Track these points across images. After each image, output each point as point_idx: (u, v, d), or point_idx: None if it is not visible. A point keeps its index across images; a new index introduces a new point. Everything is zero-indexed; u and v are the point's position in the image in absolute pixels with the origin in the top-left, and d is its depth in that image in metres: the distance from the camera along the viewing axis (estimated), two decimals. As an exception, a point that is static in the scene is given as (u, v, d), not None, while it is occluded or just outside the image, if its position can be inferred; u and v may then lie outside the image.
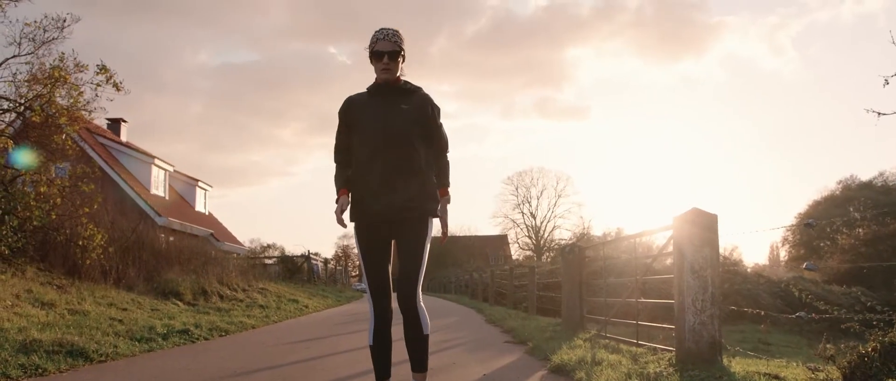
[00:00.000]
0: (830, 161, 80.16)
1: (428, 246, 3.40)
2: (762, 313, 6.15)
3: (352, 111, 3.46)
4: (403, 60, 3.43)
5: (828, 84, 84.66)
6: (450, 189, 3.58)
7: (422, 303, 3.38)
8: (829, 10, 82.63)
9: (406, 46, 3.42)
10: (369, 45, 3.37)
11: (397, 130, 3.33)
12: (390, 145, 3.32)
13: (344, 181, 3.46)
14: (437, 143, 3.52)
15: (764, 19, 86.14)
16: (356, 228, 3.45)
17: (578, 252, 8.42)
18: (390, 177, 3.31)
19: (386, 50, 3.32)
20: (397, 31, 3.41)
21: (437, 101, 3.53)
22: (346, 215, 3.39)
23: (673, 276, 5.11)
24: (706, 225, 4.92)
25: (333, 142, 3.56)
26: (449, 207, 3.57)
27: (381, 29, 3.39)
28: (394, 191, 3.32)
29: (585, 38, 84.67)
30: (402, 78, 3.46)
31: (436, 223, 3.49)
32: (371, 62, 3.39)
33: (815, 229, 48.12)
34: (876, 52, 71.44)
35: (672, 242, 5.22)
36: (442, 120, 3.56)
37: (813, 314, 5.20)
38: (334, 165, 3.55)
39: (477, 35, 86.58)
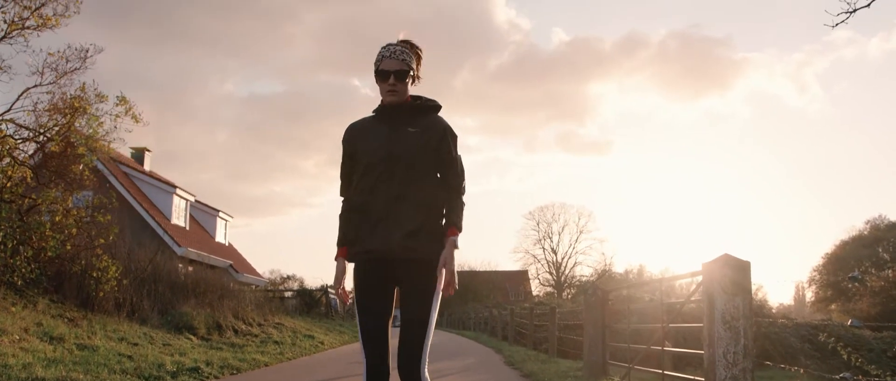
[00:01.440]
0: (857, 200, 78.88)
1: (437, 301, 2.87)
2: (801, 370, 5.83)
3: (354, 137, 3.05)
4: (414, 80, 3.03)
5: (855, 122, 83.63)
6: (460, 233, 2.96)
7: (426, 375, 2.83)
8: (855, 48, 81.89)
9: (419, 64, 3.04)
10: (375, 63, 2.98)
11: (401, 155, 2.89)
12: (393, 173, 2.89)
13: (343, 236, 3.01)
14: (450, 176, 2.99)
15: (790, 56, 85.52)
16: (354, 269, 2.98)
17: (601, 295, 8.13)
18: (392, 209, 2.87)
19: (392, 69, 2.91)
20: (407, 47, 3.00)
21: (456, 129, 3.06)
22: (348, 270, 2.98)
23: (703, 325, 4.83)
24: (738, 272, 4.65)
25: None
26: (469, 241, 3.07)
27: (388, 45, 2.99)
28: (395, 225, 2.86)
29: (608, 72, 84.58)
30: (412, 95, 3.04)
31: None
32: (376, 83, 2.98)
33: (859, 281, 47.07)
34: (903, 89, 70.39)
35: (702, 289, 4.94)
36: (462, 153, 3.07)
37: (859, 377, 4.88)
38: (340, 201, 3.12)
39: (500, 69, 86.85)
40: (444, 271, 2.88)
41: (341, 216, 3.08)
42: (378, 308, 2.93)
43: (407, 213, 2.88)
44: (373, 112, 3.09)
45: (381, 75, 2.95)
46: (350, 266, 3.03)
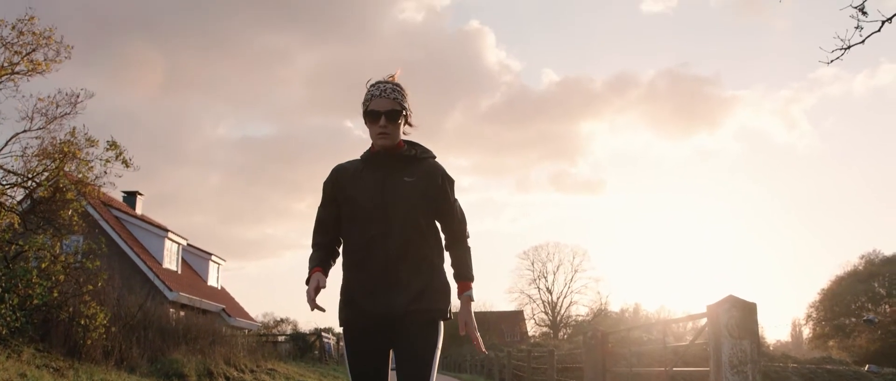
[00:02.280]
0: (851, 234, 78.95)
1: (436, 360, 2.65)
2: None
3: (341, 184, 2.77)
4: (407, 121, 2.76)
5: (844, 157, 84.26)
6: (472, 283, 2.76)
7: None
8: (841, 84, 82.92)
9: (411, 103, 2.78)
10: (363, 103, 2.72)
11: (399, 209, 2.65)
12: (391, 229, 2.63)
13: (318, 261, 2.79)
14: (451, 224, 2.79)
15: (777, 93, 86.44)
16: (346, 332, 2.73)
17: (601, 336, 7.95)
18: (391, 270, 2.62)
19: (382, 109, 2.65)
20: (398, 85, 2.74)
21: (450, 171, 2.85)
22: (328, 305, 2.75)
23: (708, 369, 4.67)
24: (745, 314, 4.51)
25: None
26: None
27: (377, 83, 2.73)
28: (396, 287, 2.62)
29: (599, 112, 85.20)
30: (406, 141, 2.79)
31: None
32: (366, 124, 2.72)
33: (840, 305, 46.93)
34: (890, 125, 71.14)
35: (708, 331, 4.79)
36: (458, 195, 2.86)
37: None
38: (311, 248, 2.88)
39: (492, 109, 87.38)
40: (465, 330, 2.69)
41: (313, 253, 2.87)
42: (375, 375, 2.70)
43: (409, 273, 2.65)
44: (361, 158, 2.81)
45: (370, 116, 2.69)
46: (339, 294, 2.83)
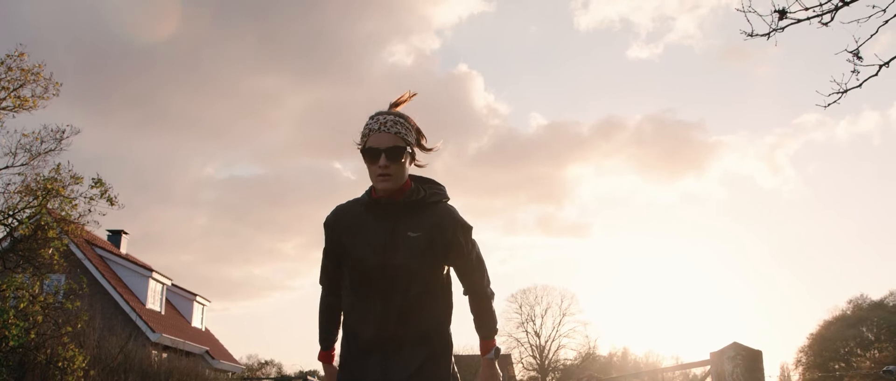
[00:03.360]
0: (837, 278, 79.12)
1: None
2: None
3: (339, 230, 2.40)
4: (412, 158, 2.38)
5: (828, 202, 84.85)
6: (496, 340, 2.50)
7: None
8: (824, 131, 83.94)
9: (423, 138, 2.44)
10: (361, 138, 2.34)
11: (402, 271, 2.29)
12: (392, 294, 2.31)
13: (325, 338, 2.53)
14: (468, 277, 2.45)
15: (761, 139, 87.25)
16: None
17: (596, 383, 7.76)
18: (391, 339, 2.32)
19: (383, 146, 2.27)
20: (400, 117, 2.35)
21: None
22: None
23: (713, 420, 4.50)
24: (750, 362, 4.36)
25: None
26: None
27: (376, 114, 2.35)
28: (395, 358, 2.32)
29: (586, 156, 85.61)
30: (413, 178, 2.42)
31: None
32: (365, 163, 2.34)
33: (829, 350, 46.81)
34: (872, 171, 72.06)
35: (711, 380, 4.63)
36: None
37: None
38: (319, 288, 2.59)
39: (479, 152, 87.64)
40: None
41: (321, 312, 2.59)
42: None
43: (412, 343, 2.33)
44: (362, 200, 2.42)
45: (369, 154, 2.30)
46: None
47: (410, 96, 2.50)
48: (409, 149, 2.35)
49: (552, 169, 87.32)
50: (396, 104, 2.46)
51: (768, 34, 6.82)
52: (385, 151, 2.28)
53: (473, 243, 2.45)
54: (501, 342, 66.83)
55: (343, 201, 2.50)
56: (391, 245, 2.32)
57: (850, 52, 6.76)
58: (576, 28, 75.99)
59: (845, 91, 6.75)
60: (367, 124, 2.36)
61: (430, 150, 2.46)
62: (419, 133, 2.44)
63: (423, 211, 2.37)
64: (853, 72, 6.71)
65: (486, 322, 2.47)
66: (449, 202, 2.45)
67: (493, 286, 2.53)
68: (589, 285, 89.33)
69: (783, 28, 6.74)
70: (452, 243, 2.37)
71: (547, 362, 63.62)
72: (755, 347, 4.46)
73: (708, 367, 4.69)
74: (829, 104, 6.80)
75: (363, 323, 2.36)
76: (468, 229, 2.42)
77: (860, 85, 6.59)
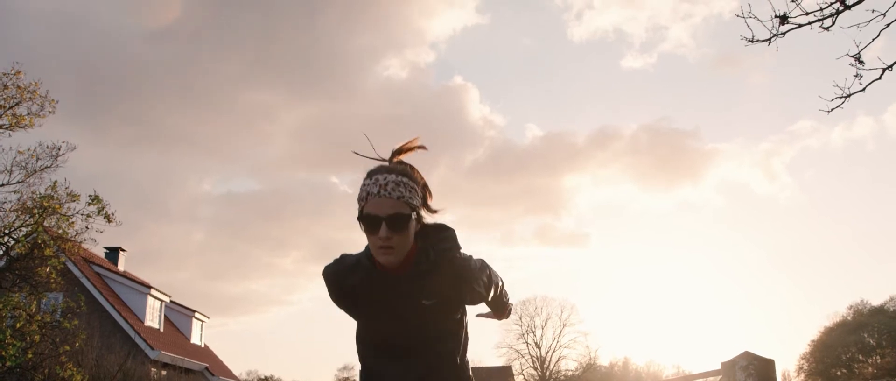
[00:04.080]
0: (836, 284, 79.08)
1: None
2: None
3: (344, 293, 2.15)
4: (419, 220, 2.07)
5: (825, 208, 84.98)
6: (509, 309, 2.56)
7: None
8: (819, 137, 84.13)
9: (429, 196, 2.14)
10: (358, 201, 2.02)
11: (421, 340, 2.11)
12: (409, 358, 2.12)
13: None
14: (495, 308, 2.45)
15: (756, 146, 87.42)
16: None
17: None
18: None
19: (383, 214, 1.95)
20: (403, 176, 2.02)
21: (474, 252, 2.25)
22: None
23: (725, 431, 4.40)
24: (763, 371, 4.27)
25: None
26: None
27: (375, 174, 2.01)
28: None
29: (582, 166, 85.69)
30: (418, 237, 2.09)
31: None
32: (363, 231, 2.02)
33: (830, 356, 46.68)
34: (867, 176, 72.27)
35: (723, 391, 4.54)
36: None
37: None
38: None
39: (476, 164, 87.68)
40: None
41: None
42: None
43: None
44: (364, 264, 2.10)
45: (367, 222, 1.97)
46: None
47: (418, 147, 2.16)
48: (414, 215, 2.01)
49: (549, 179, 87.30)
50: (400, 151, 2.13)
51: (769, 40, 6.77)
52: (386, 220, 1.94)
53: (488, 278, 2.25)
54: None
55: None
56: (405, 316, 2.09)
57: (852, 56, 6.72)
58: (569, 39, 76.18)
59: (848, 95, 6.71)
60: (364, 185, 2.00)
61: (436, 212, 2.14)
62: (426, 190, 2.11)
63: (436, 273, 2.07)
64: (856, 76, 6.67)
65: (504, 315, 2.54)
66: (460, 252, 2.15)
67: (507, 290, 2.50)
68: (588, 295, 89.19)
69: (784, 33, 6.70)
70: (471, 297, 2.18)
71: (548, 373, 63.33)
72: (766, 355, 4.38)
73: (719, 377, 4.60)
74: (832, 109, 6.75)
75: None
76: (481, 270, 2.19)
77: (864, 89, 6.55)
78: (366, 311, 2.14)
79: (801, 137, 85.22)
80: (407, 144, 2.14)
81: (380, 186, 1.97)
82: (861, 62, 6.72)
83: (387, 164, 2.07)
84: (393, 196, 1.96)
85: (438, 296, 2.07)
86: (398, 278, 2.05)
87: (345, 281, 2.13)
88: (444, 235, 2.13)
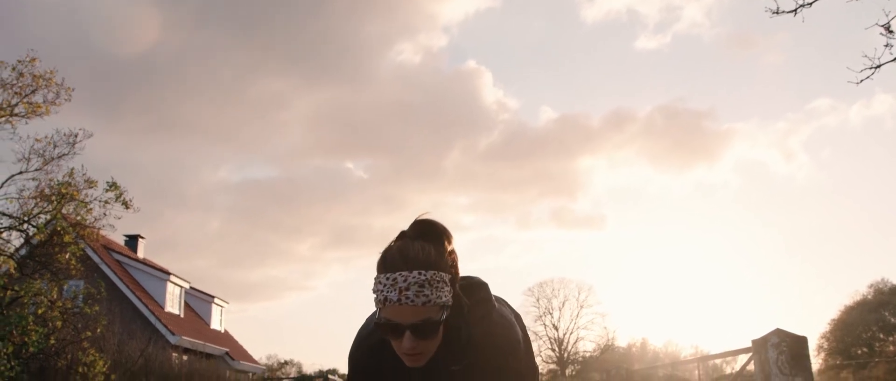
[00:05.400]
0: (855, 264, 78.30)
1: None
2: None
3: (370, 375, 1.84)
4: (444, 324, 1.65)
5: (843, 187, 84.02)
6: None
7: None
8: (837, 115, 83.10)
9: (457, 273, 1.71)
10: (375, 302, 1.64)
11: None
12: None
13: None
14: None
15: (773, 126, 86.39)
16: None
17: (625, 376, 7.57)
18: None
19: (406, 322, 1.59)
20: (425, 271, 1.60)
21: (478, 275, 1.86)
22: None
23: (756, 410, 4.31)
24: (795, 349, 4.17)
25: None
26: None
27: (393, 274, 1.60)
28: None
29: (597, 148, 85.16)
30: (450, 320, 1.68)
31: None
32: (381, 333, 1.68)
33: (851, 335, 46.34)
34: (886, 154, 71.26)
35: (755, 368, 4.44)
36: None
37: None
38: None
39: (490, 147, 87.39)
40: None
41: None
42: None
43: None
44: (387, 346, 1.76)
45: (390, 331, 1.63)
46: None
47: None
48: (444, 315, 1.63)
49: (564, 162, 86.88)
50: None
51: (795, 10, 6.61)
52: (410, 329, 1.59)
53: (528, 362, 1.90)
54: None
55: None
56: None
57: (882, 26, 6.55)
58: (582, 20, 75.53)
59: (879, 66, 6.55)
60: (379, 284, 1.61)
61: (465, 281, 1.79)
62: (455, 269, 1.69)
63: (471, 350, 1.74)
64: (886, 46, 6.51)
65: None
66: (495, 312, 1.81)
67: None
68: (605, 277, 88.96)
69: (811, 3, 6.53)
70: (503, 370, 1.76)
71: (566, 354, 63.41)
72: (799, 333, 4.28)
73: (750, 355, 4.50)
74: (861, 80, 6.61)
75: None
76: (519, 350, 1.81)
77: (895, 58, 6.39)
78: None
79: (818, 115, 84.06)
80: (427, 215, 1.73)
81: (400, 292, 1.57)
82: (891, 32, 6.55)
83: (405, 246, 1.64)
84: (417, 303, 1.57)
85: (471, 362, 1.73)
86: (427, 368, 1.72)
87: (371, 360, 1.82)
88: (478, 298, 1.78)
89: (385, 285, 1.59)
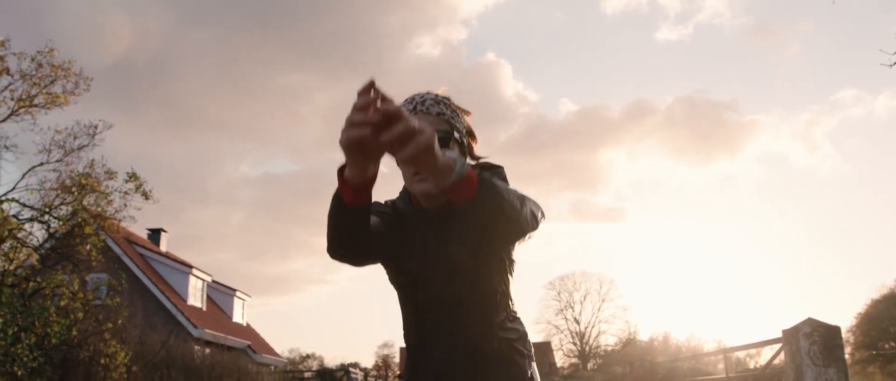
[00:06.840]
0: (882, 256, 77.13)
1: None
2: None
3: (384, 234, 1.73)
4: (463, 146, 1.77)
5: (869, 178, 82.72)
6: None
7: None
8: (863, 106, 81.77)
9: (475, 140, 1.86)
10: None
11: (461, 289, 1.75)
12: (458, 321, 1.78)
13: None
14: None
15: (797, 117, 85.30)
16: None
17: (649, 368, 7.43)
18: (458, 367, 1.79)
19: None
20: (440, 97, 1.76)
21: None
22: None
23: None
24: (828, 339, 4.01)
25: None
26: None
27: (412, 96, 1.76)
28: None
29: (618, 140, 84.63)
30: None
31: None
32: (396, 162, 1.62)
33: (877, 329, 45.66)
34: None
35: (786, 359, 4.28)
36: None
37: None
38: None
39: (510, 140, 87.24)
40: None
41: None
42: None
43: (482, 372, 1.79)
44: (403, 201, 1.82)
45: None
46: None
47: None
48: (456, 135, 1.72)
49: (584, 154, 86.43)
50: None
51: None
52: None
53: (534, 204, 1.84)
54: (541, 329, 66.39)
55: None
56: (445, 257, 1.75)
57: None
58: (602, 11, 75.02)
59: (909, 50, 6.36)
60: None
61: (479, 159, 1.83)
62: (471, 131, 1.85)
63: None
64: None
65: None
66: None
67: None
68: (626, 270, 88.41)
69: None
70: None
71: (587, 348, 63.11)
72: (834, 323, 4.12)
73: (778, 346, 4.34)
74: (894, 63, 6.42)
75: (424, 358, 1.85)
76: (527, 198, 1.78)
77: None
78: (402, 257, 1.78)
79: (843, 106, 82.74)
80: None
81: (416, 103, 1.72)
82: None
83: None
84: (431, 113, 1.70)
85: (478, 234, 1.69)
86: (442, 213, 1.71)
87: (382, 211, 1.77)
88: (494, 172, 1.81)
89: (404, 104, 1.73)
